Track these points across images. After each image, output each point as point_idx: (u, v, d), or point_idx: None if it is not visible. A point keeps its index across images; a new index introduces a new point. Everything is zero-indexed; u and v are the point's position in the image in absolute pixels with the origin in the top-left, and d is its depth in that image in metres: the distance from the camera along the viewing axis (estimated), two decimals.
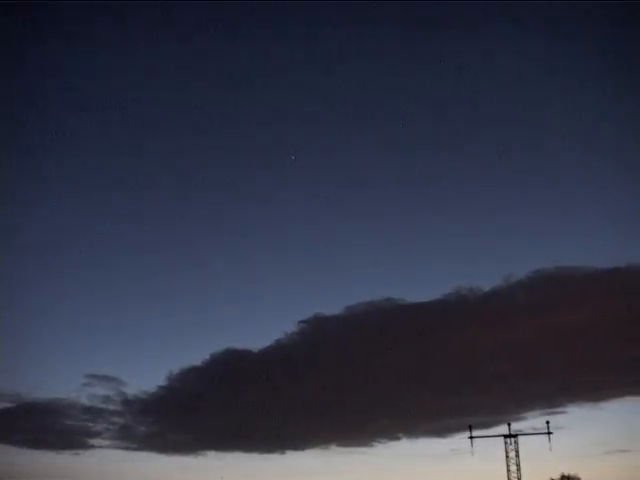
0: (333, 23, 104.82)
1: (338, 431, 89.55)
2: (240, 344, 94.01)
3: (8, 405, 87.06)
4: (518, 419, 72.80)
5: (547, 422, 64.46)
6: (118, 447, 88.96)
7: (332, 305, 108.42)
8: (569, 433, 71.54)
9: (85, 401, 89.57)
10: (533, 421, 75.49)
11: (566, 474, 68.00)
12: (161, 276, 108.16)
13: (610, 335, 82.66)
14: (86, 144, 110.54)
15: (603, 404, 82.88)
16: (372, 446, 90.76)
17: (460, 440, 77.80)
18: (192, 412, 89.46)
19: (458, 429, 78.50)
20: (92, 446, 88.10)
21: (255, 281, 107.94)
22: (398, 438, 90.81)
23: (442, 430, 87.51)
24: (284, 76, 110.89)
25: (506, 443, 66.02)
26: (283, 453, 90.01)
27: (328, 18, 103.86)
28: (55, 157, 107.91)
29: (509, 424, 66.43)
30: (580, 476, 67.71)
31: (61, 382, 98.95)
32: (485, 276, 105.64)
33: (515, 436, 65.80)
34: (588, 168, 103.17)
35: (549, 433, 63.91)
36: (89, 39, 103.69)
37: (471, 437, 67.07)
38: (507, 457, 65.72)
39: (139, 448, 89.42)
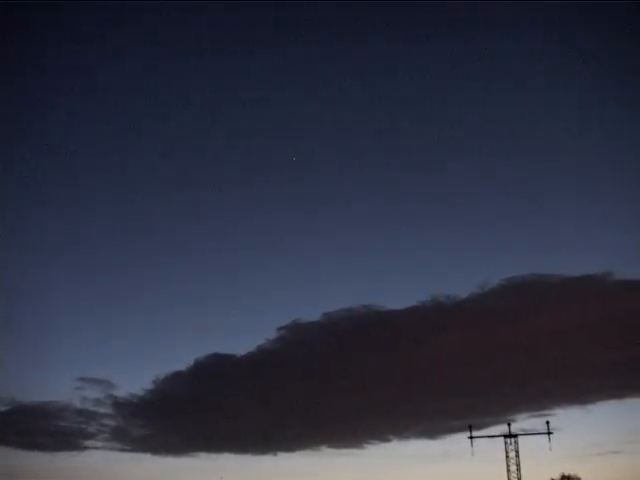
0: (334, 24, 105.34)
1: (329, 433, 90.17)
2: (224, 349, 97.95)
3: (3, 408, 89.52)
4: (505, 421, 72.62)
5: (547, 422, 65.03)
6: (113, 448, 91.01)
7: (310, 312, 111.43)
8: (559, 435, 71.87)
9: (78, 404, 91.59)
10: (522, 423, 75.98)
11: (566, 474, 68.94)
12: (148, 284, 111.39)
13: (585, 340, 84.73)
14: (87, 146, 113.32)
15: (590, 407, 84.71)
16: (363, 448, 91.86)
17: (451, 441, 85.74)
18: (183, 414, 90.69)
19: (450, 431, 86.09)
20: (87, 447, 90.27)
21: (237, 288, 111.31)
22: (389, 440, 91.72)
23: (432, 432, 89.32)
24: (285, 77, 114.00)
25: (506, 443, 66.50)
26: (275, 454, 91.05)
27: (329, 19, 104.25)
28: (52, 160, 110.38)
29: (509, 424, 67.02)
30: (580, 476, 68.92)
31: (54, 385, 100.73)
32: (461, 283, 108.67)
33: (515, 436, 66.17)
34: (561, 179, 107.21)
35: (549, 433, 64.72)
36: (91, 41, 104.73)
37: (471, 437, 67.23)
38: (507, 457, 66.21)
39: (133, 449, 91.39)
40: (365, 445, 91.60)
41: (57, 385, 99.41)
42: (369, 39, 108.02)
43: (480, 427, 72.94)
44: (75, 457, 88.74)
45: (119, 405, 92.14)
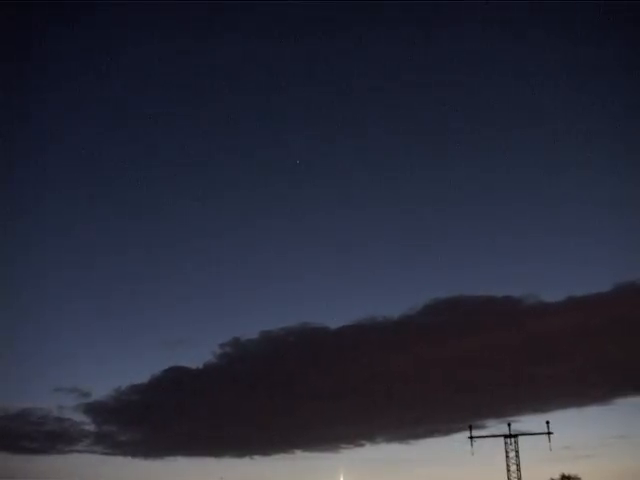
0: (336, 27, 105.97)
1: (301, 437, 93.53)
2: (179, 363, 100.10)
3: None
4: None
5: (547, 422, 65.75)
6: (94, 452, 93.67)
7: (249, 329, 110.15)
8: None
9: (55, 410, 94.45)
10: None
11: (566, 474, 69.74)
12: (110, 299, 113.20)
13: (505, 357, 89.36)
14: (84, 141, 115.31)
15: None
16: (338, 452, 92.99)
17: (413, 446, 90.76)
18: (157, 420, 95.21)
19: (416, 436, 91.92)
20: (70, 451, 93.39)
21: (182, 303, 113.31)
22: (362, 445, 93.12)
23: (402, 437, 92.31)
24: (287, 79, 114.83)
25: (506, 443, 66.63)
26: (252, 458, 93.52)
27: (331, 19, 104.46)
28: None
29: (509, 424, 67.25)
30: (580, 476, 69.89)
31: (33, 393, 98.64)
32: (396, 303, 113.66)
33: (515, 436, 66.50)
34: (488, 204, 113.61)
35: (549, 433, 65.56)
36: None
37: (471, 437, 67.13)
38: (507, 457, 66.31)
39: (114, 453, 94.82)
40: (340, 449, 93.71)
41: (36, 393, 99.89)
42: (371, 42, 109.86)
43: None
44: (60, 460, 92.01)
45: (94, 412, 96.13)
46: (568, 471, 69.06)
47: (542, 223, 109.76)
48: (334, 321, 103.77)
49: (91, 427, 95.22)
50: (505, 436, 66.65)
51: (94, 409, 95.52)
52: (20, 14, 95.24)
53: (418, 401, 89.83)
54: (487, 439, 68.17)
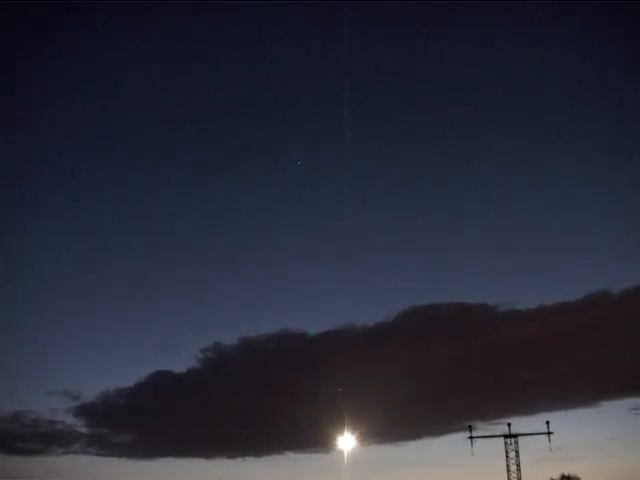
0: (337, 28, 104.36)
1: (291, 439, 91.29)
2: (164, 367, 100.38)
3: None
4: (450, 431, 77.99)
5: (547, 422, 65.93)
6: (88, 453, 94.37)
7: (228, 335, 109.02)
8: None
9: (48, 413, 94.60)
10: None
11: (566, 474, 69.55)
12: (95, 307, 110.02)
13: (489, 360, 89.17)
14: (84, 144, 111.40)
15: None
16: (329, 453, 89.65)
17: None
18: (149, 422, 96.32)
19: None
20: (64, 452, 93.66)
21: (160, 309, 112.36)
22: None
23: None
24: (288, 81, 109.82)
25: (506, 443, 66.35)
26: (244, 460, 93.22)
27: (331, 19, 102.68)
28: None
29: (509, 424, 67.09)
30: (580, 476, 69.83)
31: (25, 396, 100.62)
32: (372, 311, 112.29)
33: (515, 436, 66.32)
34: (462, 211, 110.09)
35: (549, 433, 65.52)
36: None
37: (471, 437, 67.03)
38: (507, 457, 65.89)
39: (107, 454, 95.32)
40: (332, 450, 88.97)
41: (29, 396, 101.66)
42: (370, 43, 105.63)
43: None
44: (55, 461, 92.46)
45: (86, 415, 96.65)
46: (565, 471, 69.35)
47: (514, 234, 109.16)
48: (313, 327, 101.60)
49: (83, 429, 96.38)
50: (505, 436, 66.46)
51: (85, 412, 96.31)
52: (20, 14, 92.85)
53: (403, 403, 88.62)
54: (485, 439, 68.20)
